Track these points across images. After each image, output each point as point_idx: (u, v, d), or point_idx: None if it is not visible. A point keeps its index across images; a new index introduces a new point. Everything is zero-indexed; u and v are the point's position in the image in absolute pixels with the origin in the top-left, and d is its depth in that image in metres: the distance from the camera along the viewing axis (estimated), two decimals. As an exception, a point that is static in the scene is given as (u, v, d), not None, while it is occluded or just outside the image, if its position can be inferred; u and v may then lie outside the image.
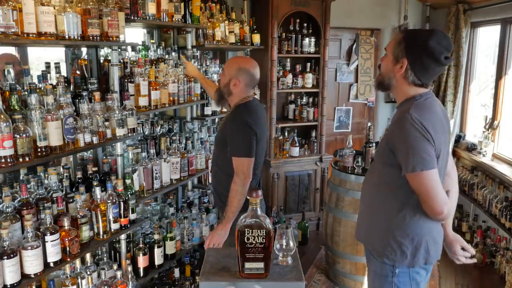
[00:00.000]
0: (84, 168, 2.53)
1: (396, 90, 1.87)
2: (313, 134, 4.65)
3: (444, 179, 1.89)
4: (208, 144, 3.58)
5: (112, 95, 2.48)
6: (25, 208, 2.06)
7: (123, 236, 2.65)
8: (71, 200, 2.29)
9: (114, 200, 2.41)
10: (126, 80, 2.66)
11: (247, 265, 1.66)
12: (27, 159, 1.96)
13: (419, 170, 1.68)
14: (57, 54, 2.78)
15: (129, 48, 3.13)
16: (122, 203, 2.47)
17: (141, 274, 2.81)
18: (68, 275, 2.19)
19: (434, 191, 1.70)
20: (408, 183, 1.75)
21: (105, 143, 2.45)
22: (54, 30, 2.09)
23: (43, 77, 2.27)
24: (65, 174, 2.40)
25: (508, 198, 3.78)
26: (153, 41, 3.32)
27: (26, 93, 2.09)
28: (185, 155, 3.19)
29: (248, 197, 1.65)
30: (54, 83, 2.31)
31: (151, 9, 2.82)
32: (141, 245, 2.78)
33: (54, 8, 2.09)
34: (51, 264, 2.07)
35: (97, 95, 2.37)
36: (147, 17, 2.81)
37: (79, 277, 2.27)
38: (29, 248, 1.95)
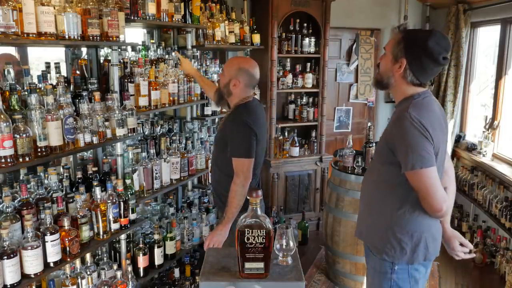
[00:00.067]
0: (84, 168, 2.52)
1: (395, 89, 1.89)
2: (313, 134, 4.65)
3: (442, 177, 1.90)
4: (208, 144, 3.58)
5: (112, 95, 2.48)
6: (25, 208, 2.05)
7: (123, 236, 2.65)
8: (71, 200, 2.29)
9: (114, 200, 2.41)
10: (126, 80, 2.66)
11: (247, 265, 1.66)
12: (27, 159, 1.96)
13: (419, 168, 1.70)
14: (57, 54, 2.78)
15: (129, 48, 3.13)
16: (122, 203, 2.47)
17: (141, 274, 2.81)
18: (68, 275, 2.19)
19: (433, 189, 1.73)
20: (407, 180, 1.77)
21: (105, 143, 2.45)
22: (54, 30, 2.09)
23: (43, 77, 2.27)
24: (65, 174, 2.40)
25: (508, 198, 3.78)
26: (153, 41, 3.32)
27: (26, 93, 2.09)
28: (185, 155, 3.19)
29: (248, 197, 1.64)
30: (54, 83, 2.31)
31: (151, 9, 2.82)
32: (141, 245, 2.78)
33: (54, 8, 2.08)
34: (51, 264, 2.07)
35: (97, 95, 2.37)
36: (147, 17, 2.81)
37: (79, 277, 2.27)
38: (29, 248, 1.95)
